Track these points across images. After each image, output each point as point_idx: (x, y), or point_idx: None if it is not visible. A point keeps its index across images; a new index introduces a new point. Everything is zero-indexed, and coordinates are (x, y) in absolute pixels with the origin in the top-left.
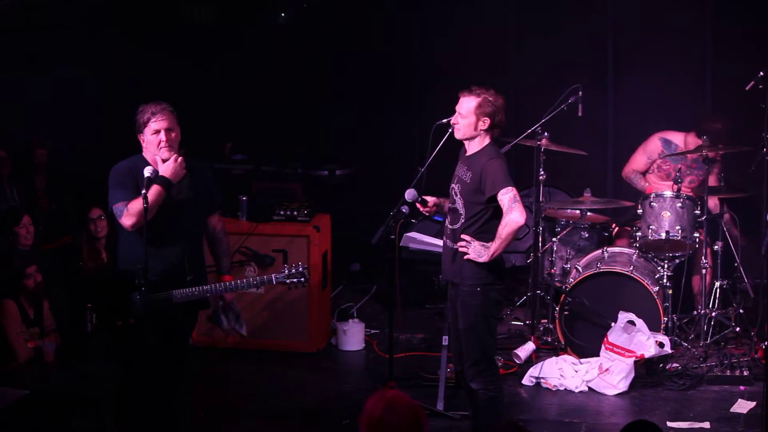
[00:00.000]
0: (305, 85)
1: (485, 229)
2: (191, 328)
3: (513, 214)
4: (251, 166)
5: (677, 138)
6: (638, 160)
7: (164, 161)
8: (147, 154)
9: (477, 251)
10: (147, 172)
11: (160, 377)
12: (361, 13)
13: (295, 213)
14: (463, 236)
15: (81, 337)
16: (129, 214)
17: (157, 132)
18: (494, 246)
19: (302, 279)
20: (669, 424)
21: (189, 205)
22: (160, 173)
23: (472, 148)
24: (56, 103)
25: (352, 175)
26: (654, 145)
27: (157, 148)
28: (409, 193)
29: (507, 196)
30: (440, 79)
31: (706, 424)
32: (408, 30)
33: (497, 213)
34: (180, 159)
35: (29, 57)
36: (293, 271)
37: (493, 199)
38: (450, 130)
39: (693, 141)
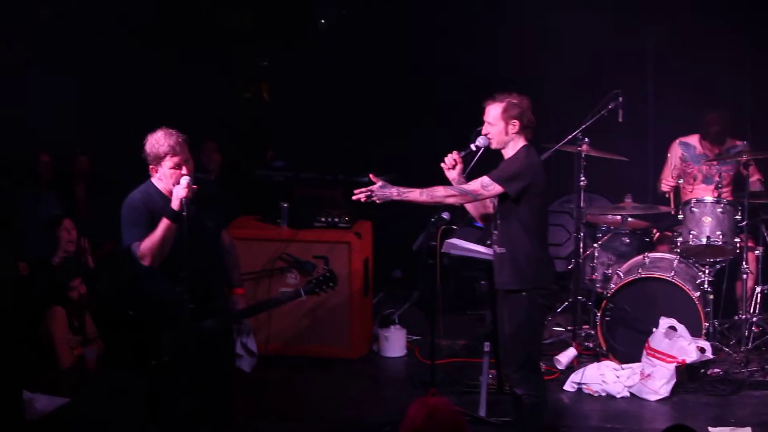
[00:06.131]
0: (346, 91)
1: (517, 229)
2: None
3: (453, 195)
4: (292, 173)
5: (693, 140)
6: (667, 168)
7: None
8: (160, 184)
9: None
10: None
11: (205, 398)
12: (401, 19)
13: (336, 219)
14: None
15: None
16: (143, 255)
17: (178, 166)
18: (408, 192)
19: (331, 284)
20: (710, 429)
21: (203, 228)
22: (172, 205)
23: (507, 153)
24: (98, 110)
25: (393, 181)
26: (675, 149)
27: (176, 181)
28: (482, 140)
29: (479, 183)
30: (480, 85)
31: (748, 429)
32: (447, 35)
33: (523, 213)
34: (188, 182)
35: (77, 62)
36: (320, 278)
37: (505, 196)
38: (482, 149)
39: (704, 143)
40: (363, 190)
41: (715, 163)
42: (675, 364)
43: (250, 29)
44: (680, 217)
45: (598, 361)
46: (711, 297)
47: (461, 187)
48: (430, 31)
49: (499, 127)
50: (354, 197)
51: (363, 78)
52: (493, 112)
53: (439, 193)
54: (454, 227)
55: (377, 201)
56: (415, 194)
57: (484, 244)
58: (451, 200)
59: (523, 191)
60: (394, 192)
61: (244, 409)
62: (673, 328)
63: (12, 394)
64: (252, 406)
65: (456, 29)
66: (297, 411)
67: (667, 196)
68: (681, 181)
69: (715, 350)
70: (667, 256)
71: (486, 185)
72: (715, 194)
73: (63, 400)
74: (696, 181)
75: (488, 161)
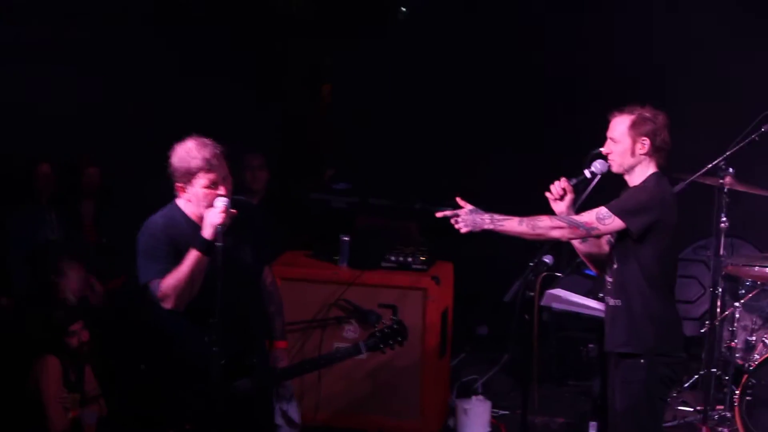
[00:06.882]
0: (427, 99)
1: (637, 276)
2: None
3: (560, 227)
4: (356, 198)
5: None
6: None
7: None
8: (188, 207)
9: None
10: None
11: None
12: (497, 13)
13: (410, 259)
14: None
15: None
16: (165, 295)
17: (213, 185)
18: (504, 219)
19: (399, 339)
20: None
21: (241, 264)
22: (203, 233)
23: (633, 180)
24: (111, 114)
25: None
26: None
27: (209, 203)
28: (599, 164)
29: (594, 214)
30: (591, 101)
31: None
32: (550, 35)
33: (647, 257)
34: (224, 205)
35: (82, 58)
36: (386, 330)
37: (626, 234)
38: (598, 176)
39: None
40: (448, 212)
41: None
42: None
43: (312, 18)
44: None
45: None
46: None
47: (571, 218)
48: (540, 29)
49: (624, 145)
50: (438, 214)
51: (450, 83)
52: (620, 126)
53: (543, 223)
54: (559, 274)
55: (464, 229)
56: (513, 223)
57: (596, 298)
58: (556, 233)
59: (648, 229)
60: (487, 219)
61: None
62: None
63: None
64: None
65: (570, 31)
66: None
67: None
68: None
69: None
70: None
71: (602, 218)
72: None
73: None
74: None
75: (607, 193)
